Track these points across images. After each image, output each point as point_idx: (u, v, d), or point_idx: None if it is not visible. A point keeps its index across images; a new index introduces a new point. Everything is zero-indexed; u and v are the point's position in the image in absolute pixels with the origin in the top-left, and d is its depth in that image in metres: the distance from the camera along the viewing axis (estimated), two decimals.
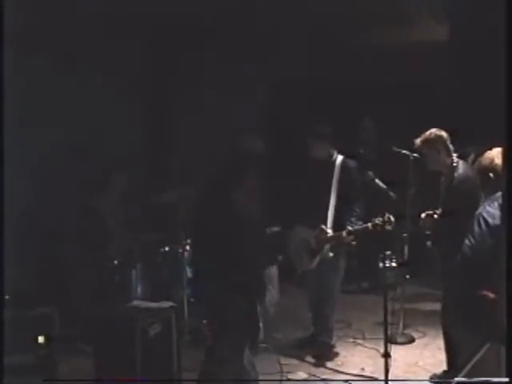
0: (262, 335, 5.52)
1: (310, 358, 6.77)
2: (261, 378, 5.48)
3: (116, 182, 7.52)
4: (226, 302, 5.05)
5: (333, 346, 6.94)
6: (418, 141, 6.11)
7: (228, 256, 4.99)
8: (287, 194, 7.25)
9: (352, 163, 6.87)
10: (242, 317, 5.04)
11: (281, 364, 6.27)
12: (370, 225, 6.44)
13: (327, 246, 6.62)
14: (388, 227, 6.19)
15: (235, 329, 5.05)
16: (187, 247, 7.54)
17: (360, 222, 6.63)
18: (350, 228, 6.56)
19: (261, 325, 5.33)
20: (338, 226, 6.64)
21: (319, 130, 6.81)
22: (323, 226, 6.59)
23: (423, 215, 6.10)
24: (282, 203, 7.11)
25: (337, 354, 6.90)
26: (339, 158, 6.83)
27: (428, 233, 6.29)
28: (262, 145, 5.38)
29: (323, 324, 6.89)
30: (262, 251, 5.26)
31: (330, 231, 6.61)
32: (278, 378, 6.12)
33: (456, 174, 5.92)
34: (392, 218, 6.18)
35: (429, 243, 6.46)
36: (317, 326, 6.97)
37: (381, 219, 6.26)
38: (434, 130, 6.05)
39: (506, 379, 4.00)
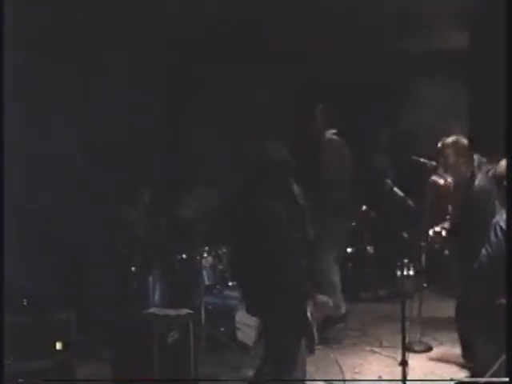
0: (316, 339, 5.47)
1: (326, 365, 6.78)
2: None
3: (136, 190, 7.58)
4: (273, 306, 5.07)
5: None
6: (440, 146, 6.06)
7: (268, 260, 5.01)
8: None
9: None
10: (292, 321, 5.05)
11: (340, 365, 6.24)
12: None
13: None
14: None
15: (286, 334, 5.06)
16: (205, 254, 7.58)
17: None
18: None
19: (314, 329, 5.29)
20: None
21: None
22: None
23: (431, 232, 6.06)
24: None
25: (354, 362, 6.89)
26: None
27: (437, 246, 6.26)
28: (287, 152, 5.40)
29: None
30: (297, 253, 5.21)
31: None
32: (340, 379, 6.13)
33: (474, 185, 5.86)
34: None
35: (446, 251, 6.45)
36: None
37: None
38: (458, 138, 5.99)
39: (506, 379, 4.00)
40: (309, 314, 5.11)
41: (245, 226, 5.16)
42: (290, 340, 5.06)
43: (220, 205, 7.61)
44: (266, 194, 5.03)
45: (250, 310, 5.38)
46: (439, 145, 6.07)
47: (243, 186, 5.32)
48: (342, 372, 6.21)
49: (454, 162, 5.98)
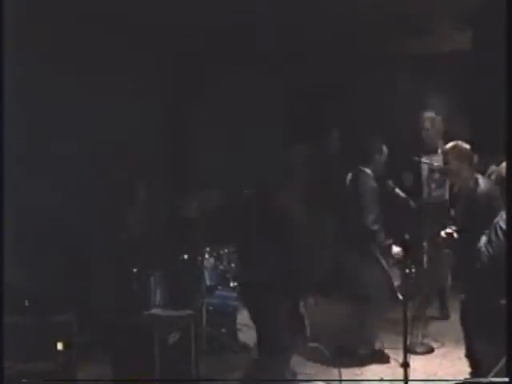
0: (309, 335, 5.49)
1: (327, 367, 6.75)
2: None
3: (137, 191, 7.57)
4: (273, 304, 5.07)
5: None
6: (442, 152, 6.02)
7: (272, 258, 5.05)
8: None
9: None
10: (288, 318, 5.07)
11: (340, 370, 6.11)
12: None
13: None
14: None
15: (282, 331, 5.08)
16: (206, 255, 7.56)
17: None
18: None
19: (307, 323, 5.32)
20: None
21: None
22: None
23: (443, 233, 5.99)
24: None
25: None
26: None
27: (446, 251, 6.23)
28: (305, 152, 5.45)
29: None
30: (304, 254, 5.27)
31: None
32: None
33: (478, 190, 5.77)
34: None
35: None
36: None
37: None
38: (459, 143, 5.93)
39: (506, 379, 3.99)
40: (303, 309, 5.17)
41: (262, 224, 5.21)
42: (286, 333, 5.09)
43: (220, 205, 7.61)
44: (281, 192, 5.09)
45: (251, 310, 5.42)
46: (439, 151, 6.04)
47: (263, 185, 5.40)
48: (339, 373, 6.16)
49: (456, 167, 5.89)
